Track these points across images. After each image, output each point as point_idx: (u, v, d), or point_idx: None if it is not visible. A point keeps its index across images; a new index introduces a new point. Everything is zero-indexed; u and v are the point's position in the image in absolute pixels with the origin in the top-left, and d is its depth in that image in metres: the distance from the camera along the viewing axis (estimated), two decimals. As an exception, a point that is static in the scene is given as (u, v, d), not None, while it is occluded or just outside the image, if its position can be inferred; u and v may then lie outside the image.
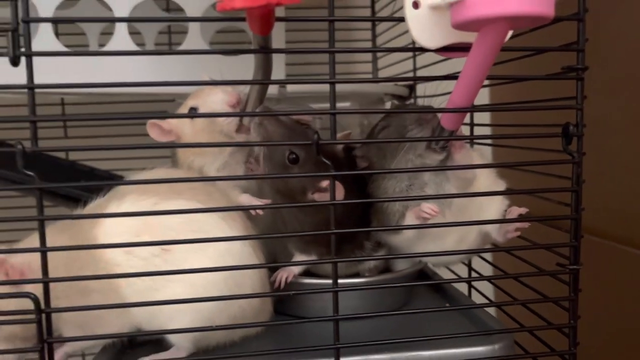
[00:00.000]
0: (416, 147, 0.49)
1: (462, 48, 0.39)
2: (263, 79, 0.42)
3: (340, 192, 0.46)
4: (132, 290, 0.42)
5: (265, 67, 0.42)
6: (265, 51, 0.40)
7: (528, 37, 0.47)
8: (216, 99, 0.50)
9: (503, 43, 0.35)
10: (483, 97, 0.94)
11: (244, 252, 0.46)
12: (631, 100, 0.64)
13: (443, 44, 0.39)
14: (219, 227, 0.45)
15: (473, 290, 0.65)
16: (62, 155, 0.72)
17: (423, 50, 0.40)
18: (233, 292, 0.44)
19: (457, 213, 0.51)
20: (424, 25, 0.39)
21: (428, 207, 0.47)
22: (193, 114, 0.50)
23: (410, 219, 0.50)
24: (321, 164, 0.41)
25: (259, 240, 0.49)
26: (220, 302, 0.43)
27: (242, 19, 0.37)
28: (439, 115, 0.44)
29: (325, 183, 0.47)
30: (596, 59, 0.65)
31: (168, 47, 0.87)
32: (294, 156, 0.48)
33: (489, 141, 0.65)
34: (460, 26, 0.34)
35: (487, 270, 0.65)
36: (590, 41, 0.43)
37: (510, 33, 0.39)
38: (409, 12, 0.38)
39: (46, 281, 0.38)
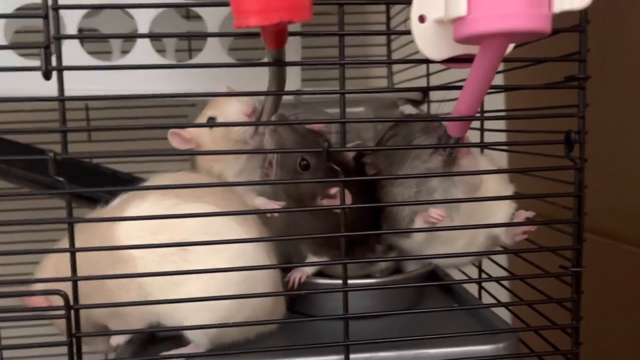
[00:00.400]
0: (423, 154, 0.51)
1: (467, 59, 0.41)
2: (277, 90, 0.45)
3: (348, 199, 0.48)
4: (153, 281, 0.45)
5: (279, 78, 0.44)
6: (278, 64, 0.42)
7: (535, 45, 0.48)
8: (233, 109, 0.52)
9: (503, 56, 0.37)
10: (498, 103, 0.95)
11: (257, 257, 0.48)
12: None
13: (449, 56, 0.41)
14: (235, 231, 0.47)
15: (484, 292, 0.66)
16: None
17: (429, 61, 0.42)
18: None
19: (466, 217, 0.53)
20: (430, 38, 0.40)
21: (435, 212, 0.49)
22: (211, 123, 0.52)
23: (419, 224, 0.52)
24: (331, 171, 0.44)
25: (273, 246, 0.51)
26: (233, 304, 0.45)
27: (257, 34, 0.40)
28: (445, 123, 0.46)
29: (334, 190, 0.50)
30: (606, 64, 0.67)
31: (188, 52, 0.90)
32: (305, 163, 0.51)
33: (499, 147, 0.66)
34: (462, 40, 0.36)
35: (499, 272, 0.66)
36: (596, 47, 0.44)
37: (512, 46, 0.41)
38: (415, 26, 0.40)
39: (75, 279, 0.40)
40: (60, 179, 0.39)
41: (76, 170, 0.71)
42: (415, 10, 0.40)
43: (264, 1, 0.34)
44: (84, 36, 0.60)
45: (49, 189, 0.66)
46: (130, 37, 0.71)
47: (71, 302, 0.40)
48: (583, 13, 0.43)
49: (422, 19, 0.40)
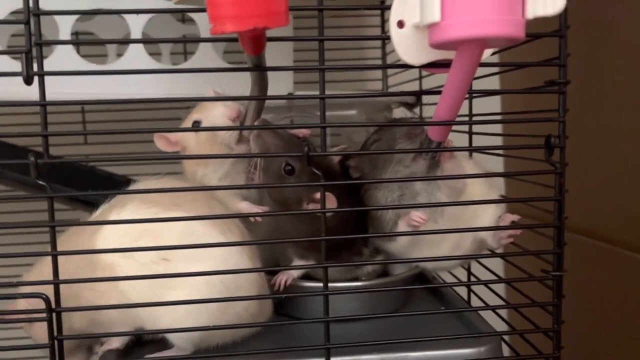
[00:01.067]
0: (405, 159, 0.51)
1: (445, 64, 0.41)
2: (259, 94, 0.45)
3: (332, 203, 0.48)
4: (135, 292, 0.45)
5: (261, 83, 0.44)
6: (259, 69, 0.42)
7: (526, 49, 0.48)
8: (217, 113, 0.53)
9: (480, 61, 0.37)
10: (495, 106, 0.95)
11: (240, 266, 0.47)
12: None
13: (427, 61, 0.41)
14: (217, 240, 0.46)
15: (474, 295, 0.66)
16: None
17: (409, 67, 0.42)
18: (229, 305, 0.46)
19: (451, 221, 0.53)
20: (409, 43, 0.41)
21: (417, 215, 0.49)
22: (196, 127, 0.53)
23: (402, 227, 0.52)
24: (315, 175, 0.44)
25: (257, 254, 0.51)
26: (217, 314, 0.45)
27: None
28: (427, 128, 0.46)
29: (318, 194, 0.50)
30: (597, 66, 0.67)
31: (183, 55, 0.90)
32: (289, 167, 0.51)
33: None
34: (437, 46, 0.36)
35: (490, 275, 0.66)
36: (580, 52, 0.44)
37: (489, 51, 0.41)
38: (394, 31, 0.40)
39: (57, 282, 0.41)
40: (42, 182, 0.40)
41: (72, 173, 0.72)
42: (394, 16, 0.40)
43: (238, 7, 0.34)
44: (67, 41, 0.60)
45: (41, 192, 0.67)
46: (118, 42, 0.71)
47: (53, 305, 0.41)
48: (562, 18, 0.43)
49: (400, 24, 0.40)
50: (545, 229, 0.47)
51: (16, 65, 0.63)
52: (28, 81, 0.39)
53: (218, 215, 0.47)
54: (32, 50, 0.39)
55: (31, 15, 0.39)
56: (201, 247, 0.43)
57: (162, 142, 0.54)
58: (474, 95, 0.54)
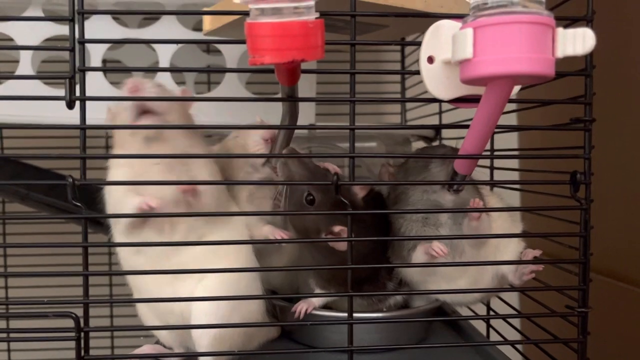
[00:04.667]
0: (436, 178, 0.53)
1: (473, 99, 0.42)
2: (290, 124, 0.46)
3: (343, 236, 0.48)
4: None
5: (292, 113, 0.45)
6: (292, 99, 0.43)
7: (548, 86, 0.49)
8: (252, 133, 0.54)
9: (509, 97, 0.38)
10: (512, 141, 0.96)
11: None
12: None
13: (456, 96, 0.43)
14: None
15: (492, 331, 0.66)
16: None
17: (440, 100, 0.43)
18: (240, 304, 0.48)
19: (472, 256, 0.53)
20: (438, 78, 0.42)
21: (438, 246, 0.50)
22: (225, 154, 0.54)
23: (420, 252, 0.52)
24: (336, 208, 0.44)
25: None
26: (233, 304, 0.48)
27: (273, 70, 0.41)
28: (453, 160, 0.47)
29: (337, 228, 0.50)
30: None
31: (207, 85, 0.92)
32: (311, 197, 0.51)
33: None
34: (468, 82, 0.37)
35: (508, 311, 0.66)
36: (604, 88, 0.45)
37: (517, 87, 0.42)
38: (424, 66, 0.42)
39: (86, 302, 0.42)
40: (78, 204, 0.41)
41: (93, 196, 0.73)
42: (424, 51, 0.42)
43: (279, 41, 0.35)
44: (106, 69, 0.62)
45: (64, 213, 0.68)
46: (151, 70, 0.73)
47: (82, 324, 0.41)
48: (588, 58, 0.44)
49: (430, 59, 0.42)
50: (566, 265, 0.48)
51: (49, 91, 0.65)
52: (70, 105, 0.40)
53: (246, 241, 0.48)
54: (75, 76, 0.40)
55: (76, 43, 0.40)
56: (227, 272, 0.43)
57: None
58: (498, 130, 0.55)
